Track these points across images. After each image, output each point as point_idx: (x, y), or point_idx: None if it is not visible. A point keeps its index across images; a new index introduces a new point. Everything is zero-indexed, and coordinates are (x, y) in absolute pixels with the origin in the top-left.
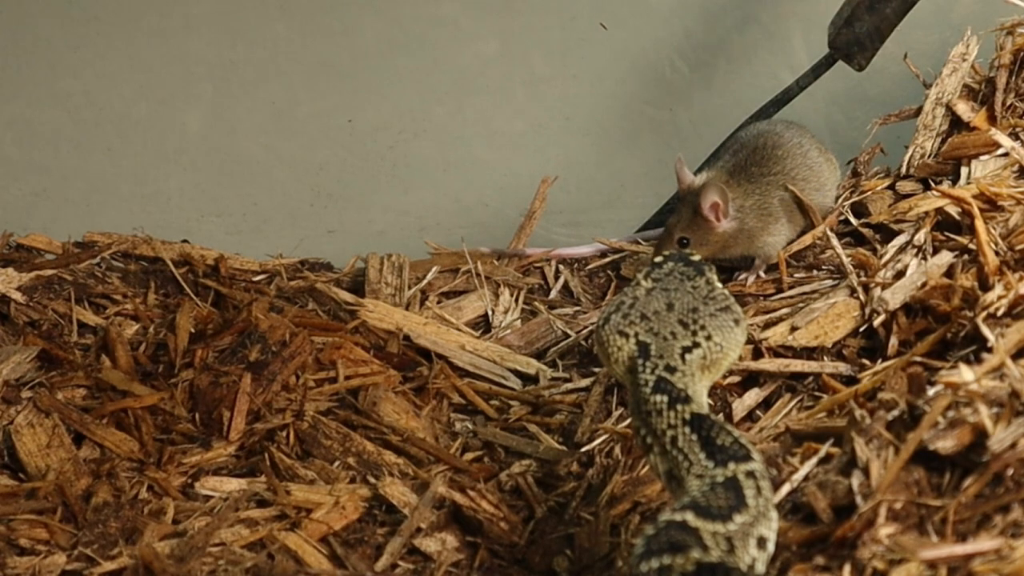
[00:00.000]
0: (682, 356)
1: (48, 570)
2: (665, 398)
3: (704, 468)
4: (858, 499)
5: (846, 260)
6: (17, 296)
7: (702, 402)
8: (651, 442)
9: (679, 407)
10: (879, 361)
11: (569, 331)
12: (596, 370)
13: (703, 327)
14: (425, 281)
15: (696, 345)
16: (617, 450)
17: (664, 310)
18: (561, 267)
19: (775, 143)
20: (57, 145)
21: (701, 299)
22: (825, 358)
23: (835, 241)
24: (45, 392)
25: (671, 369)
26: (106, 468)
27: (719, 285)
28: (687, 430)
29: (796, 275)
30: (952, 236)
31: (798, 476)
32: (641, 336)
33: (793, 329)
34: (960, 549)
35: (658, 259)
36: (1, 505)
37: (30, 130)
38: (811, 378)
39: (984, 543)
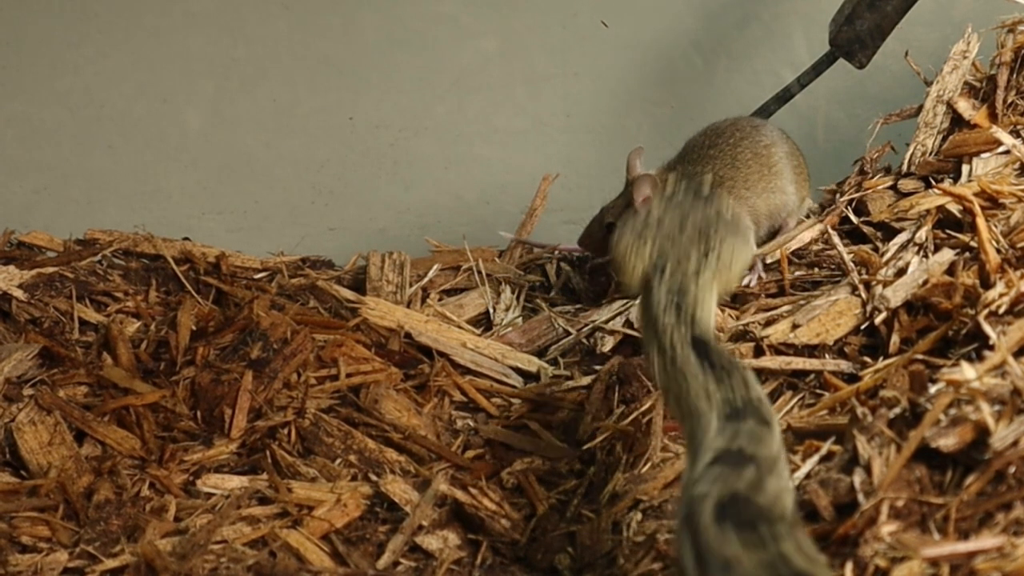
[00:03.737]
0: (695, 276)
1: (50, 567)
2: (674, 318)
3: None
4: (860, 497)
5: (847, 258)
6: (18, 294)
7: (709, 324)
8: (656, 355)
9: (683, 329)
10: (881, 359)
11: (570, 329)
12: (597, 368)
13: (713, 247)
14: (426, 279)
15: (707, 263)
16: (619, 448)
17: (677, 231)
18: (563, 265)
19: (733, 134)
20: (58, 143)
21: (712, 220)
22: (826, 356)
23: (836, 239)
24: (47, 390)
25: (683, 291)
26: (108, 466)
27: (727, 209)
28: (689, 351)
29: (797, 273)
30: (953, 234)
31: (800, 474)
32: (655, 257)
33: (794, 327)
34: (962, 547)
35: (670, 189)
36: (3, 503)
37: (31, 128)
38: (812, 376)
39: (986, 541)
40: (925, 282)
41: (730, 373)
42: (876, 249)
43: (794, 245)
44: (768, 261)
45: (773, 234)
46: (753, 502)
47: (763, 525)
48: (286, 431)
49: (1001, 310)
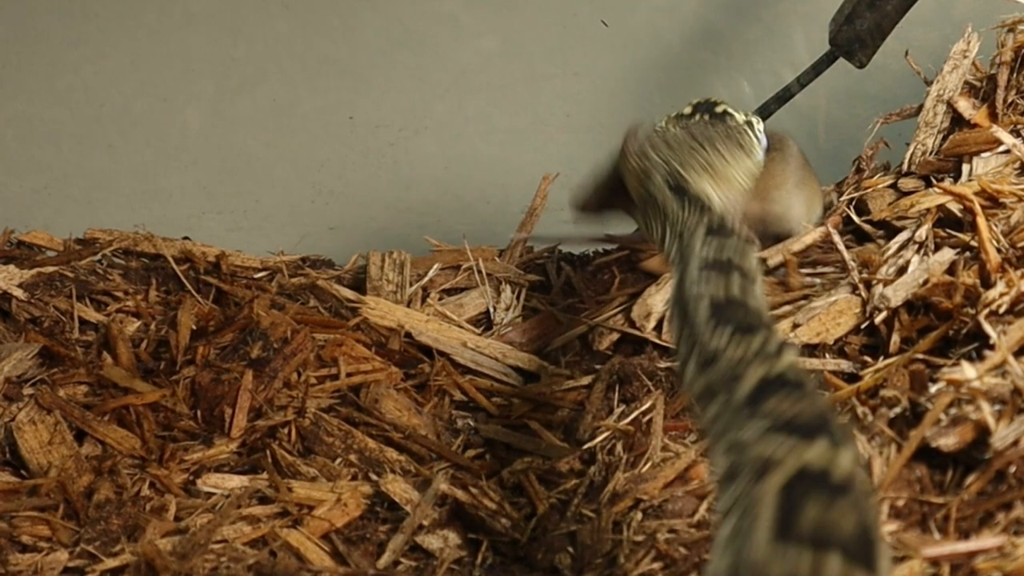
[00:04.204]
0: (696, 170)
1: (50, 567)
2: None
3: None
4: None
5: (848, 257)
6: (18, 293)
7: (710, 196)
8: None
9: (685, 200)
10: (881, 358)
11: (571, 328)
12: (598, 367)
13: (714, 146)
14: (426, 278)
15: (705, 159)
16: (619, 447)
17: (687, 140)
18: (563, 264)
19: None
20: (58, 142)
21: (720, 132)
22: (827, 355)
23: (837, 238)
24: (47, 389)
25: (681, 188)
26: (108, 465)
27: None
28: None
29: (799, 271)
30: (954, 233)
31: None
32: (660, 157)
33: (795, 326)
34: (963, 546)
35: (686, 109)
36: (3, 502)
37: (31, 127)
38: (813, 375)
39: (987, 540)
40: (926, 281)
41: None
42: (877, 248)
43: (796, 247)
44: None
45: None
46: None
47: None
48: (286, 430)
49: (1002, 310)
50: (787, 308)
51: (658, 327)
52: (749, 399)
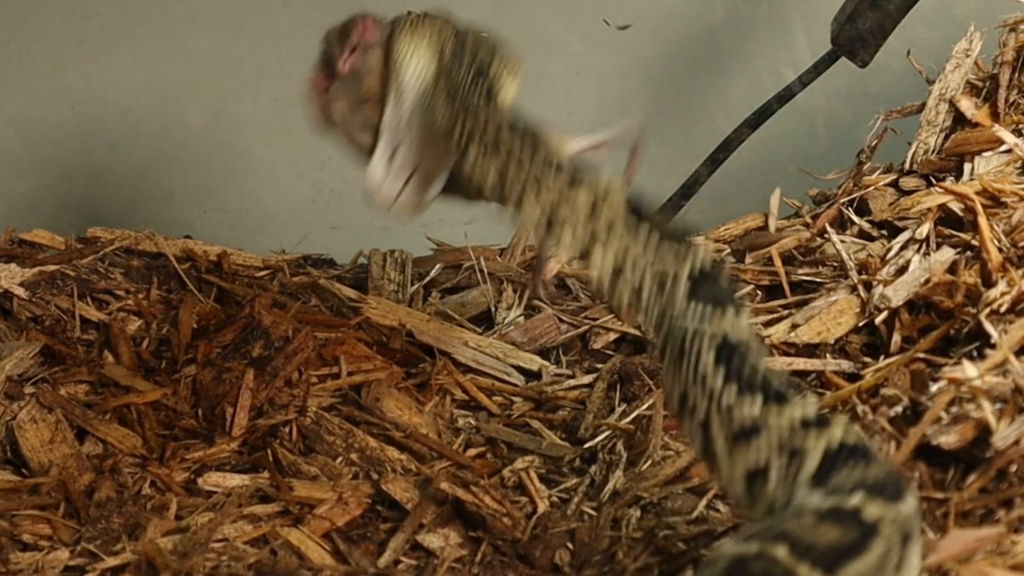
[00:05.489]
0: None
1: (51, 566)
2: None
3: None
4: None
5: (847, 257)
6: (20, 292)
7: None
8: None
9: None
10: (882, 358)
11: (572, 327)
12: (599, 366)
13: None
14: (428, 277)
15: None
16: (619, 446)
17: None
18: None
19: None
20: (60, 141)
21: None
22: (827, 355)
23: (836, 238)
24: (48, 388)
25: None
26: (109, 464)
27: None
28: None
29: (799, 271)
30: (955, 232)
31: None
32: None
33: (794, 326)
34: (963, 543)
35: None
36: (4, 501)
37: (32, 126)
38: (813, 375)
39: (987, 537)
40: (926, 281)
41: None
42: (878, 247)
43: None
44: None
45: None
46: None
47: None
48: (287, 429)
49: (1003, 309)
50: (787, 309)
51: None
52: (816, 477)
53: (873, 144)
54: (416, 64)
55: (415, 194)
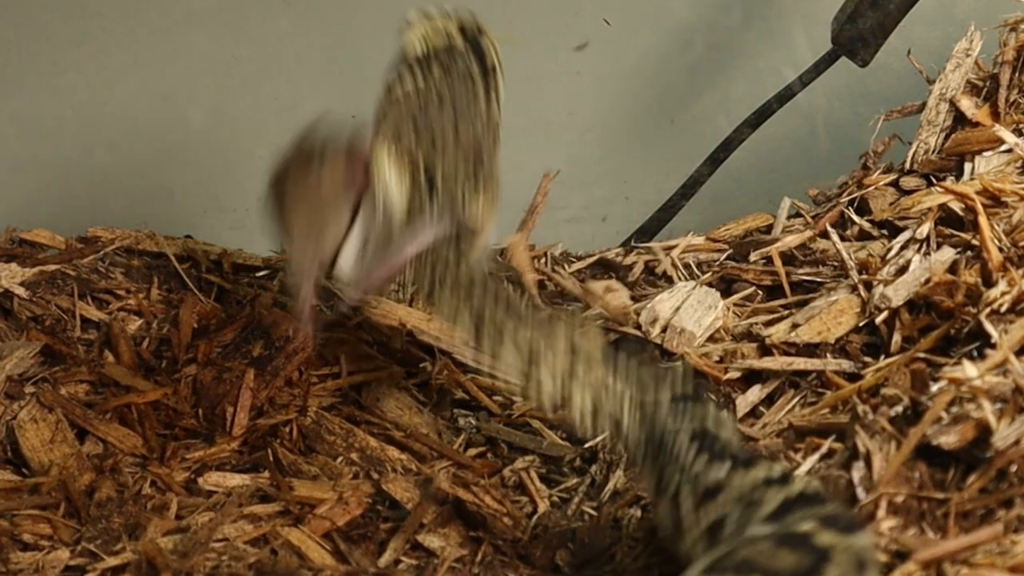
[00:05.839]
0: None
1: (51, 565)
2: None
3: None
4: (859, 492)
5: (847, 256)
6: (20, 291)
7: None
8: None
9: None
10: (882, 357)
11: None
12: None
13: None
14: None
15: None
16: (620, 445)
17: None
18: (565, 262)
19: None
20: (60, 140)
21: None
22: (828, 355)
23: (836, 237)
24: (48, 387)
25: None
26: (109, 464)
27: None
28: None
29: (800, 271)
30: (955, 232)
31: (801, 471)
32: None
33: (795, 326)
34: (963, 542)
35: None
36: (4, 500)
37: (33, 125)
38: (814, 374)
39: (985, 537)
40: (927, 280)
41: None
42: (878, 247)
43: None
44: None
45: None
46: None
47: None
48: (288, 429)
49: (1003, 309)
50: (787, 309)
51: (663, 332)
52: (770, 517)
53: (880, 149)
54: (394, 187)
55: (383, 279)
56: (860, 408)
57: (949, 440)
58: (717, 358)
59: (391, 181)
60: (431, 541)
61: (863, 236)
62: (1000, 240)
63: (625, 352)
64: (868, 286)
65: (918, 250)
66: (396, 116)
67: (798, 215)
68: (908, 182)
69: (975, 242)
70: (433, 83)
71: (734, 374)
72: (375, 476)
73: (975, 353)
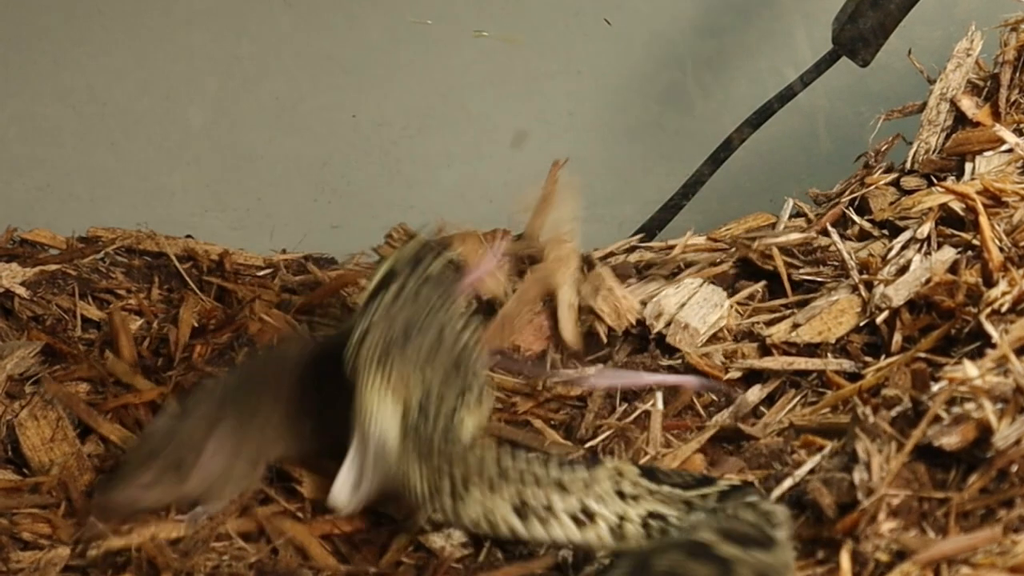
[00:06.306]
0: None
1: (52, 564)
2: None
3: None
4: (860, 494)
5: (848, 256)
6: (21, 291)
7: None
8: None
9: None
10: (883, 357)
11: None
12: (601, 365)
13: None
14: None
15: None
16: (621, 445)
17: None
18: None
19: None
20: (61, 140)
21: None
22: (828, 354)
23: (836, 237)
24: (50, 385)
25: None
26: (110, 463)
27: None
28: None
29: (800, 271)
30: (956, 232)
31: (801, 472)
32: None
33: (795, 326)
34: (963, 543)
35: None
36: (4, 499)
37: (34, 125)
38: (814, 374)
39: (986, 537)
40: (927, 280)
41: None
42: (878, 247)
43: None
44: None
45: None
46: None
47: None
48: None
49: (1003, 308)
50: (788, 308)
51: (666, 327)
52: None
53: (883, 149)
54: (383, 419)
55: (369, 495)
56: (861, 409)
57: (950, 440)
58: (719, 359)
59: (384, 413)
60: (433, 541)
61: (864, 236)
62: (1001, 240)
63: (663, 478)
64: (869, 286)
65: (919, 250)
66: (377, 335)
67: (800, 215)
68: (909, 182)
69: (976, 242)
70: (408, 292)
71: (735, 374)
72: None
73: (976, 353)
